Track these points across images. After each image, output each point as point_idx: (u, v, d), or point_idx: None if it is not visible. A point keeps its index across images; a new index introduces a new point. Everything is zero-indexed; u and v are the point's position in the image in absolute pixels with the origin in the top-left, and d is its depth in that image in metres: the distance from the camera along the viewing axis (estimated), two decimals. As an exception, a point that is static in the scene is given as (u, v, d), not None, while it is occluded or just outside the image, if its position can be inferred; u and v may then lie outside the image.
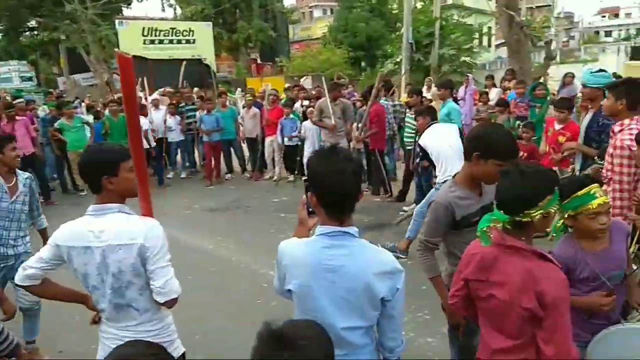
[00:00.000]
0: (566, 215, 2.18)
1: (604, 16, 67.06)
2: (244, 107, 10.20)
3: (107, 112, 9.26)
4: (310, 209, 1.90)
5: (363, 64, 27.50)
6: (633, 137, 3.08)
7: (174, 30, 22.16)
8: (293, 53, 31.44)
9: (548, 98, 8.38)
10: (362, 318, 1.73)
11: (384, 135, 7.90)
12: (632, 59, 14.70)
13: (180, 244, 6.09)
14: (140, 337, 1.93)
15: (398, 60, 16.43)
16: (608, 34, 60.64)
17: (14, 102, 9.12)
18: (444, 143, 5.18)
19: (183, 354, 2.29)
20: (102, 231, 2.04)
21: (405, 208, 7.23)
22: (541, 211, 1.82)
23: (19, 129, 7.78)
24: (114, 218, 2.07)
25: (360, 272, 1.69)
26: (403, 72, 14.45)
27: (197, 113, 9.95)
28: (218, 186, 9.51)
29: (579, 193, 2.13)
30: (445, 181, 4.48)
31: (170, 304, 2.10)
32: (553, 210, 1.86)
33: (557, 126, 5.75)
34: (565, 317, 1.82)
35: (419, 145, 6.49)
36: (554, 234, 2.27)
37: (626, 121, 3.25)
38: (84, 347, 3.54)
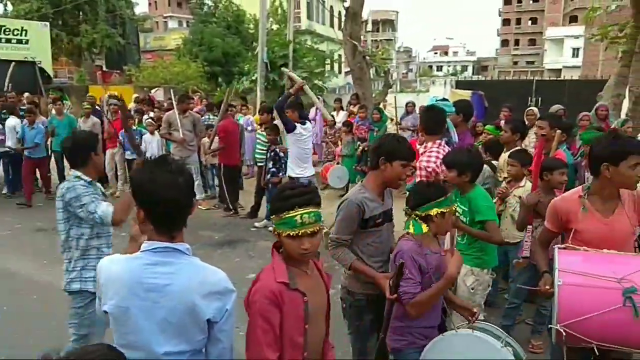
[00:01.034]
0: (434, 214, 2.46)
1: (436, 53, 76.28)
2: (81, 116, 9.31)
3: None
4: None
5: (220, 79, 27.22)
6: (431, 159, 3.50)
7: (4, 28, 19.63)
8: (144, 62, 29.83)
9: (387, 123, 9.18)
10: (187, 342, 1.62)
11: (235, 150, 7.83)
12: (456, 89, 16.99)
13: (-5, 269, 5.30)
14: None
15: (254, 78, 16.59)
16: (439, 68, 69.01)
17: None
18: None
19: None
20: None
21: (256, 224, 7.25)
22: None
23: None
24: None
25: (184, 292, 1.58)
26: (258, 90, 14.63)
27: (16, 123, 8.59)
28: (49, 203, 8.49)
29: (440, 200, 2.48)
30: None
31: None
32: (282, 233, 1.92)
33: (420, 148, 6.69)
34: (252, 323, 1.87)
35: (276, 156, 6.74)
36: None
37: (429, 144, 3.64)
38: None
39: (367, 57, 10.17)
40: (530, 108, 7.80)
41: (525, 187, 4.00)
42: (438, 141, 3.59)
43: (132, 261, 1.63)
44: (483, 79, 31.12)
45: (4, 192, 9.07)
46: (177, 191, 1.59)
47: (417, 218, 2.49)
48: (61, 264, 5.64)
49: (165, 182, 1.58)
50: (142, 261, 1.61)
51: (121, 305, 1.60)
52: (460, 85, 19.41)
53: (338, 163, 8.16)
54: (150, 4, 52.39)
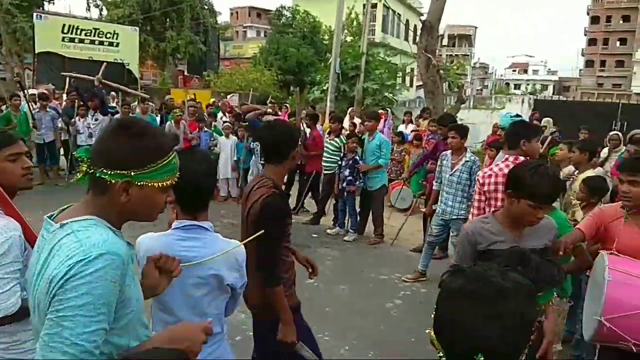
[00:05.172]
0: None
1: (514, 70, 73.50)
2: (170, 120, 9.68)
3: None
4: None
5: (291, 87, 27.86)
6: (485, 172, 3.63)
7: (97, 31, 20.99)
8: (222, 69, 31.15)
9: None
10: (211, 305, 1.91)
11: (319, 159, 7.83)
12: (534, 109, 16.35)
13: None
14: None
15: (325, 88, 16.83)
16: (517, 86, 66.33)
17: None
18: None
19: None
20: None
21: (328, 231, 7.37)
22: None
23: None
24: None
25: (210, 262, 1.84)
26: (328, 100, 14.85)
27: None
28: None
29: None
30: None
31: None
32: None
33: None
34: None
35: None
36: None
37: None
38: None
39: (441, 71, 10.02)
40: (615, 132, 7.41)
41: None
42: (506, 156, 3.50)
43: (166, 237, 1.91)
44: (565, 99, 29.64)
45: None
46: (195, 178, 1.82)
47: None
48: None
49: (187, 169, 1.76)
50: (173, 237, 1.89)
51: None
52: (539, 104, 18.63)
53: (405, 180, 7.81)
54: (232, 14, 54.69)
